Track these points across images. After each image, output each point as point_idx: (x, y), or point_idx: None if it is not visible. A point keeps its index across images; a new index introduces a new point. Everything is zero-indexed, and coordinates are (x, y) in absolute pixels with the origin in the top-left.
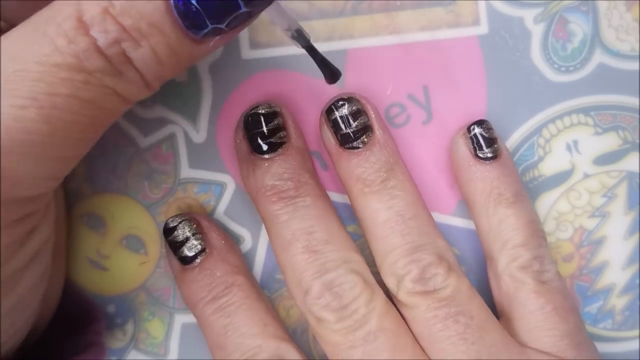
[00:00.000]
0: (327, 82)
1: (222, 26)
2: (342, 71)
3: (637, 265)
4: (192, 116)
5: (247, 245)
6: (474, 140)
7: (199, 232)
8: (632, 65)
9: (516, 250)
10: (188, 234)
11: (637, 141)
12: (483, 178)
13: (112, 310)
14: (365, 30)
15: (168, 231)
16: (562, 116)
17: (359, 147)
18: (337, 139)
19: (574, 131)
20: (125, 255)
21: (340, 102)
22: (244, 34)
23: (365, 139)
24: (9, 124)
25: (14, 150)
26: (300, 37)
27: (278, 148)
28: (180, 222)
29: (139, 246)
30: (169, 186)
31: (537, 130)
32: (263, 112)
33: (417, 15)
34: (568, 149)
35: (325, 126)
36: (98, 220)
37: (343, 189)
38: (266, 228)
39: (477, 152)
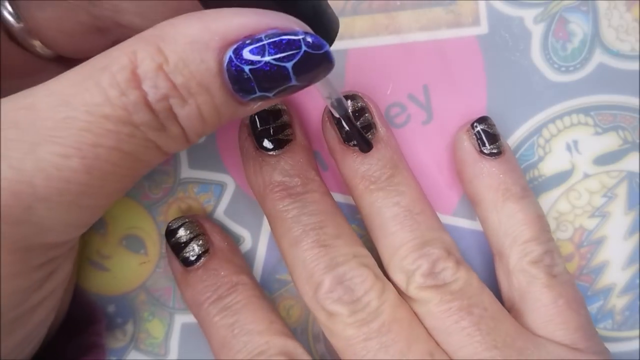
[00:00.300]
0: (360, 151)
1: (270, 95)
2: (342, 71)
3: (637, 265)
4: None
5: (247, 245)
6: (478, 136)
7: (201, 234)
8: (632, 65)
9: (527, 245)
10: (191, 235)
11: (637, 141)
12: (490, 174)
13: (112, 310)
14: (365, 30)
15: (170, 233)
16: (562, 116)
17: None
18: (341, 136)
19: (574, 131)
20: (125, 256)
21: (347, 99)
22: None
23: (370, 136)
24: (50, 172)
25: (51, 199)
26: (340, 107)
27: (284, 145)
28: (182, 224)
29: (139, 246)
30: (169, 186)
31: (537, 130)
32: (269, 109)
33: (417, 15)
34: (568, 149)
35: (329, 124)
36: (98, 220)
37: (343, 188)
38: (272, 225)
39: (482, 148)
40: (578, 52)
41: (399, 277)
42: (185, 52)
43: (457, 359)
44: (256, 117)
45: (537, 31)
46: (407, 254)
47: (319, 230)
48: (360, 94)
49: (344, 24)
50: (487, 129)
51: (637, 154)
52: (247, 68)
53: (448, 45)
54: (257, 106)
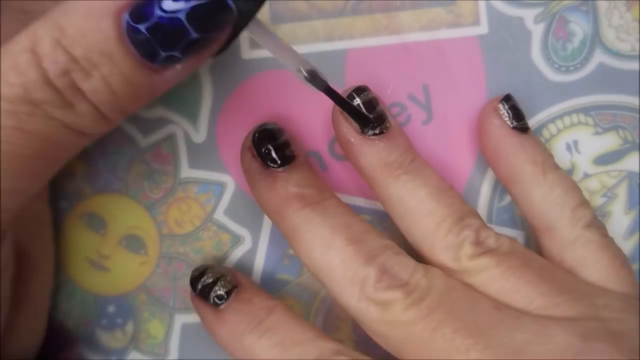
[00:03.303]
0: (360, 129)
1: (177, 54)
2: (342, 71)
3: (638, 265)
4: (192, 116)
5: (247, 245)
6: (510, 113)
7: (225, 274)
8: (632, 65)
9: (577, 211)
10: (217, 275)
11: (637, 141)
12: (525, 149)
13: (112, 310)
14: (365, 30)
15: (195, 280)
16: (562, 116)
17: (382, 133)
18: (359, 127)
19: (574, 131)
20: (125, 256)
21: (357, 92)
22: (244, 34)
23: (387, 125)
24: None
25: None
26: (316, 81)
27: (291, 161)
28: (204, 270)
29: (139, 246)
30: (169, 186)
31: (537, 130)
32: (268, 128)
33: (417, 15)
34: (568, 149)
35: (341, 117)
36: (98, 220)
37: (343, 188)
38: (297, 238)
39: (516, 124)
40: (578, 52)
41: (445, 256)
42: (82, 22)
43: (532, 309)
44: (260, 136)
45: (537, 31)
46: (450, 227)
47: (349, 229)
48: (368, 88)
49: (344, 24)
50: (515, 105)
51: (637, 153)
52: (143, 27)
53: (448, 45)
54: (175, 72)
